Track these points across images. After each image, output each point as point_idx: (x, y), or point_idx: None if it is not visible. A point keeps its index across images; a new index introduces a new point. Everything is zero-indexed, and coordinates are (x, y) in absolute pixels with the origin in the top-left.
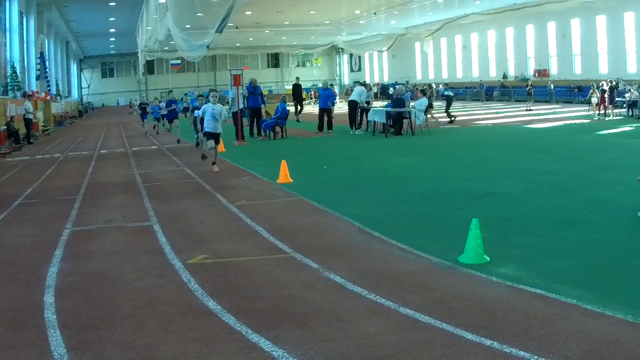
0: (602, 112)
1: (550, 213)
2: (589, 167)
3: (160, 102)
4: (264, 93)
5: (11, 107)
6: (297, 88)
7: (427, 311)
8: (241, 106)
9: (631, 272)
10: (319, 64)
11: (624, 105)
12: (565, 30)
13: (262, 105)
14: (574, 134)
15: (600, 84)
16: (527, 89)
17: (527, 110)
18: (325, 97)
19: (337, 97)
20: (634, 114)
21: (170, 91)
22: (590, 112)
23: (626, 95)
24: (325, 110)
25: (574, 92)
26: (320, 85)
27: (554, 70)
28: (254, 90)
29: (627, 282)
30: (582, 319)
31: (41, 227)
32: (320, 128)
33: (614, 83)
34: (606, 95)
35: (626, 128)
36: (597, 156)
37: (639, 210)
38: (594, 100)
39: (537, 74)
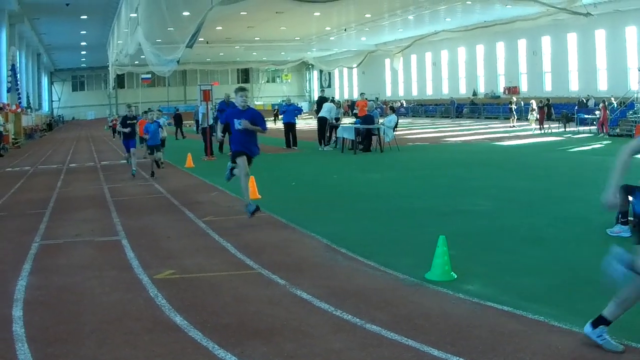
0: (541, 127)
1: (517, 230)
2: (557, 184)
3: (160, 116)
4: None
5: None
6: (323, 101)
7: (394, 328)
8: (211, 122)
9: (598, 289)
10: (289, 80)
11: (594, 122)
12: (535, 47)
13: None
14: (543, 152)
15: (539, 102)
16: (510, 106)
17: (512, 127)
18: (291, 112)
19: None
20: (604, 131)
21: (129, 105)
22: (530, 127)
23: (596, 112)
24: (291, 126)
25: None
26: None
27: (524, 87)
28: (226, 106)
29: (594, 299)
30: (549, 336)
31: (10, 240)
32: (288, 144)
33: (550, 101)
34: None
35: (595, 145)
36: (565, 173)
37: (607, 228)
38: (532, 117)
39: (507, 91)
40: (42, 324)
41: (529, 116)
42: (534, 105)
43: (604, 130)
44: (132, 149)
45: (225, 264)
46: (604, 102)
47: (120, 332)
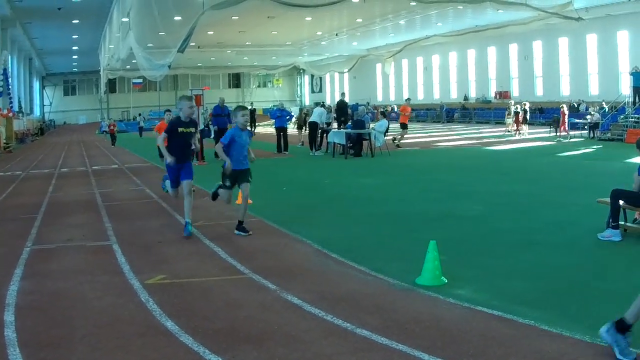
0: (516, 130)
1: (509, 235)
2: (548, 188)
3: (222, 113)
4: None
5: None
6: (342, 105)
7: (384, 332)
8: (201, 127)
9: (589, 293)
10: (280, 85)
11: (585, 127)
12: (527, 52)
13: (229, 125)
14: (534, 156)
15: (515, 107)
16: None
17: (518, 133)
18: (283, 117)
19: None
20: (595, 135)
21: (189, 98)
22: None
23: (587, 117)
24: (283, 130)
25: (535, 114)
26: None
27: (515, 92)
28: (221, 111)
29: (585, 303)
30: (539, 340)
31: (1, 245)
32: (279, 149)
33: (527, 106)
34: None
35: (587, 150)
36: (557, 178)
37: (598, 232)
38: (509, 120)
39: (498, 95)
40: (34, 329)
41: (506, 119)
42: (511, 109)
43: (565, 132)
44: (185, 181)
45: (217, 269)
46: (562, 106)
47: (112, 337)
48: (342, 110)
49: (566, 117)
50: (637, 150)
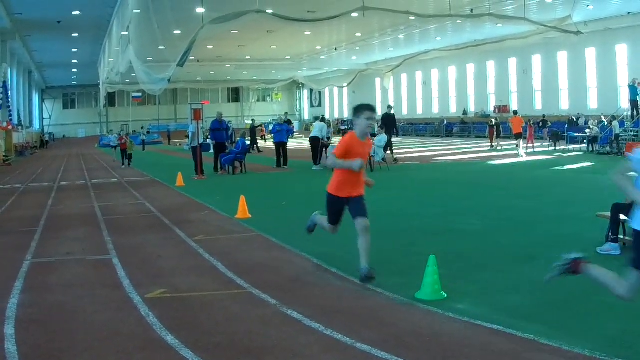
0: (491, 144)
1: (508, 249)
2: (548, 203)
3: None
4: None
5: None
6: (389, 118)
7: (384, 347)
8: (201, 141)
9: (589, 307)
10: (279, 99)
11: (584, 141)
12: (526, 66)
13: (227, 142)
14: (533, 170)
15: (489, 121)
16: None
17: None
18: (284, 131)
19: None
20: (594, 149)
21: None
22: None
23: (586, 131)
24: (282, 145)
25: (536, 129)
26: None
27: (514, 106)
28: (219, 125)
29: (585, 316)
30: (539, 355)
31: (1, 258)
32: (279, 163)
33: (497, 120)
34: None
35: (585, 164)
36: (556, 192)
37: (598, 246)
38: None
39: (497, 110)
40: (35, 342)
41: (487, 133)
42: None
43: (531, 144)
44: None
45: (216, 283)
46: (529, 121)
47: (112, 351)
48: (387, 123)
49: (532, 130)
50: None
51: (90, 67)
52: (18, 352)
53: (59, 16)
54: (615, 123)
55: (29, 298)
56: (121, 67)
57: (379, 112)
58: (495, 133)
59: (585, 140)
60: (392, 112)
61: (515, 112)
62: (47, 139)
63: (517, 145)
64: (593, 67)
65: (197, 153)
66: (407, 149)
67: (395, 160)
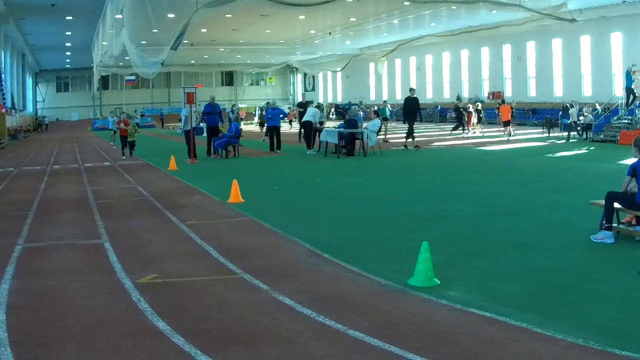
0: (467, 129)
1: (501, 236)
2: (541, 190)
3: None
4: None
5: None
6: (412, 103)
7: (376, 334)
8: (194, 124)
9: (582, 295)
10: (273, 83)
11: (578, 128)
12: (520, 52)
13: (220, 124)
14: (526, 157)
15: (467, 106)
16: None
17: (468, 132)
18: (276, 116)
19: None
20: (588, 137)
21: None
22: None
23: (580, 118)
24: (275, 129)
25: (528, 115)
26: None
27: (508, 92)
28: (212, 108)
29: (578, 305)
30: (532, 343)
31: None
32: (272, 148)
33: (479, 106)
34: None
35: (579, 151)
36: (549, 179)
37: (591, 234)
38: (474, 120)
39: (491, 96)
40: (25, 328)
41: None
42: (471, 109)
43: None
44: None
45: (208, 268)
46: (469, 106)
47: (103, 337)
48: (412, 108)
49: (472, 116)
50: (633, 149)
51: (84, 51)
52: (9, 338)
53: None
54: (572, 111)
55: (21, 283)
56: (115, 51)
57: (399, 97)
58: (474, 120)
59: (579, 128)
60: (415, 95)
61: (503, 101)
62: (46, 122)
63: (504, 132)
64: (587, 54)
65: (190, 137)
66: (401, 133)
67: (417, 147)
